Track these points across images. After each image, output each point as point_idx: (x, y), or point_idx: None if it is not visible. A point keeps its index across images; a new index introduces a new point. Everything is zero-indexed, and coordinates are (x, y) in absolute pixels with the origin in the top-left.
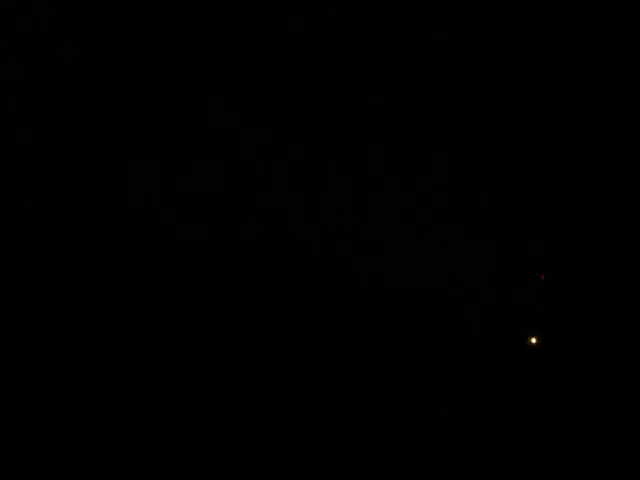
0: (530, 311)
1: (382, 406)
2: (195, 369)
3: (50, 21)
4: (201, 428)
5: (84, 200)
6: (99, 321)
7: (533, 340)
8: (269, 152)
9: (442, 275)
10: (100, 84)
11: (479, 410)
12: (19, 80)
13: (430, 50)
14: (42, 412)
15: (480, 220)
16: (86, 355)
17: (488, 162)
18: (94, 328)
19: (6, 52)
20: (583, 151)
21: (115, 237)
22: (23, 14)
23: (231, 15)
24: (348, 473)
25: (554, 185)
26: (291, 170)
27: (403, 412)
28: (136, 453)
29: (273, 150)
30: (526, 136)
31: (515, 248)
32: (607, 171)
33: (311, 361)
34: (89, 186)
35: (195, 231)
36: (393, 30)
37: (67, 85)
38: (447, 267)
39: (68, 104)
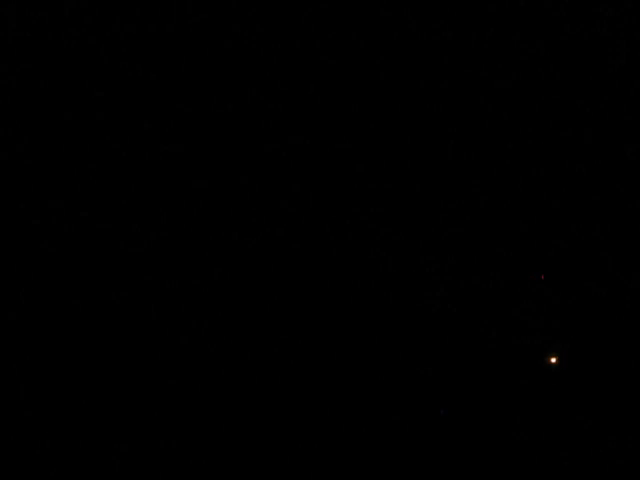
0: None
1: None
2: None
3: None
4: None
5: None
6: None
7: (553, 360)
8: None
9: (455, 289)
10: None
11: (484, 415)
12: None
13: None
14: (42, 412)
15: (495, 233)
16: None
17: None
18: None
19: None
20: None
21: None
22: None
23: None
24: (348, 473)
25: (569, 195)
26: (301, 172)
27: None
28: (136, 453)
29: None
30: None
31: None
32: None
33: (318, 362)
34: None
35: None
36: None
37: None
38: (460, 281)
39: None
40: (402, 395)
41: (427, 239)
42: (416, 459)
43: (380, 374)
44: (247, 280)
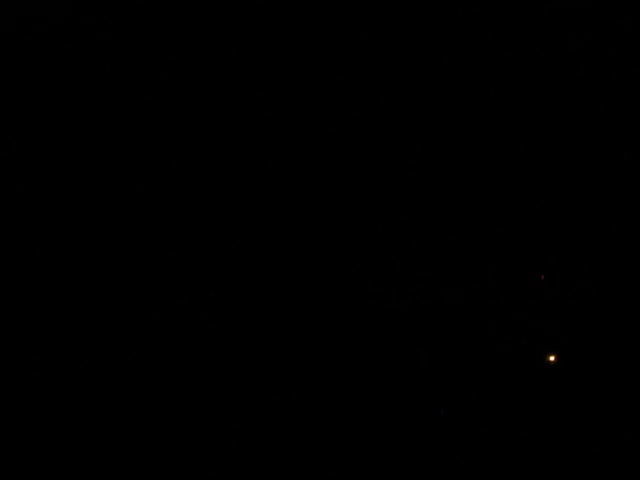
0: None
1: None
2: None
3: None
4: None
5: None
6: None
7: (552, 358)
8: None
9: (455, 287)
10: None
11: (484, 414)
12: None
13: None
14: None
15: (492, 230)
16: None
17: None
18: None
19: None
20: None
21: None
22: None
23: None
24: (348, 473)
25: (566, 193)
26: (294, 177)
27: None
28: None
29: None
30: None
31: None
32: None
33: (317, 363)
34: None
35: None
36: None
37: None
38: (460, 278)
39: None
40: (402, 394)
41: (427, 239)
42: (416, 458)
43: (380, 373)
44: (246, 280)
